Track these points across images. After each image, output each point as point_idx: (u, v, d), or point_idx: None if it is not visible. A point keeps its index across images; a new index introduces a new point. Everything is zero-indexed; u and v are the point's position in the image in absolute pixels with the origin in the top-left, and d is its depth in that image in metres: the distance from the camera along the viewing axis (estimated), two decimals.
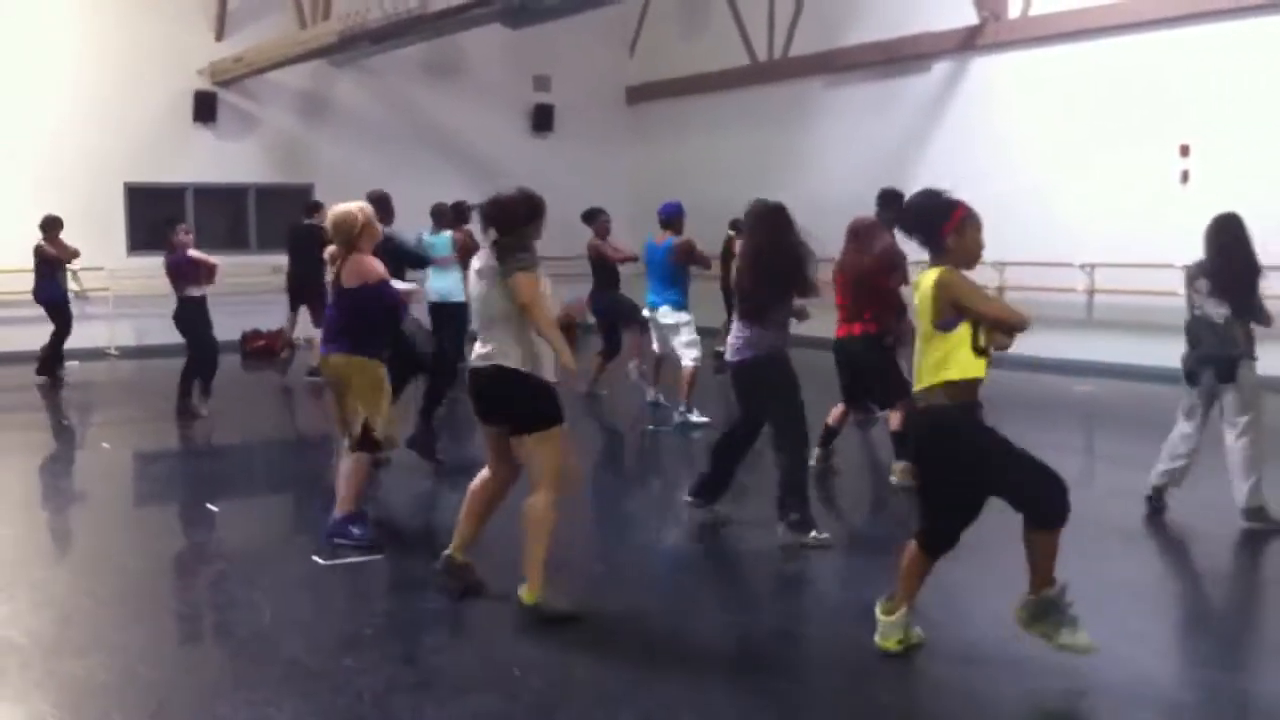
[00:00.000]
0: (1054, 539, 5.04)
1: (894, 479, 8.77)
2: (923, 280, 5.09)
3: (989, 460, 5.09)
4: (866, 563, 7.12)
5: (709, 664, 5.46)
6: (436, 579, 6.28)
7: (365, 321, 7.27)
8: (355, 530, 7.22)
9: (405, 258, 9.24)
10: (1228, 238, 7.54)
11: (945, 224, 5.09)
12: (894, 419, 8.79)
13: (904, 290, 9.07)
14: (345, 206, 7.33)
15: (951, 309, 4.99)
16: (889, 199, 10.15)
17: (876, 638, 5.38)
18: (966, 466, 5.12)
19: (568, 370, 6.01)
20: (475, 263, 6.12)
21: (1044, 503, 5.01)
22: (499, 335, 5.93)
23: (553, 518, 5.90)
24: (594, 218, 12.95)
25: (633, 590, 6.65)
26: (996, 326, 5.07)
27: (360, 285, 7.18)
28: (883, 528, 8.37)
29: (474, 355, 6.07)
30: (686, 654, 5.54)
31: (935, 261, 5.13)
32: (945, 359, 5.02)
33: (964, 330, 5.00)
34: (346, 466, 7.31)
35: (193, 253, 12.42)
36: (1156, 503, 7.82)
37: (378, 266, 7.27)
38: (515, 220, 5.99)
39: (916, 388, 5.17)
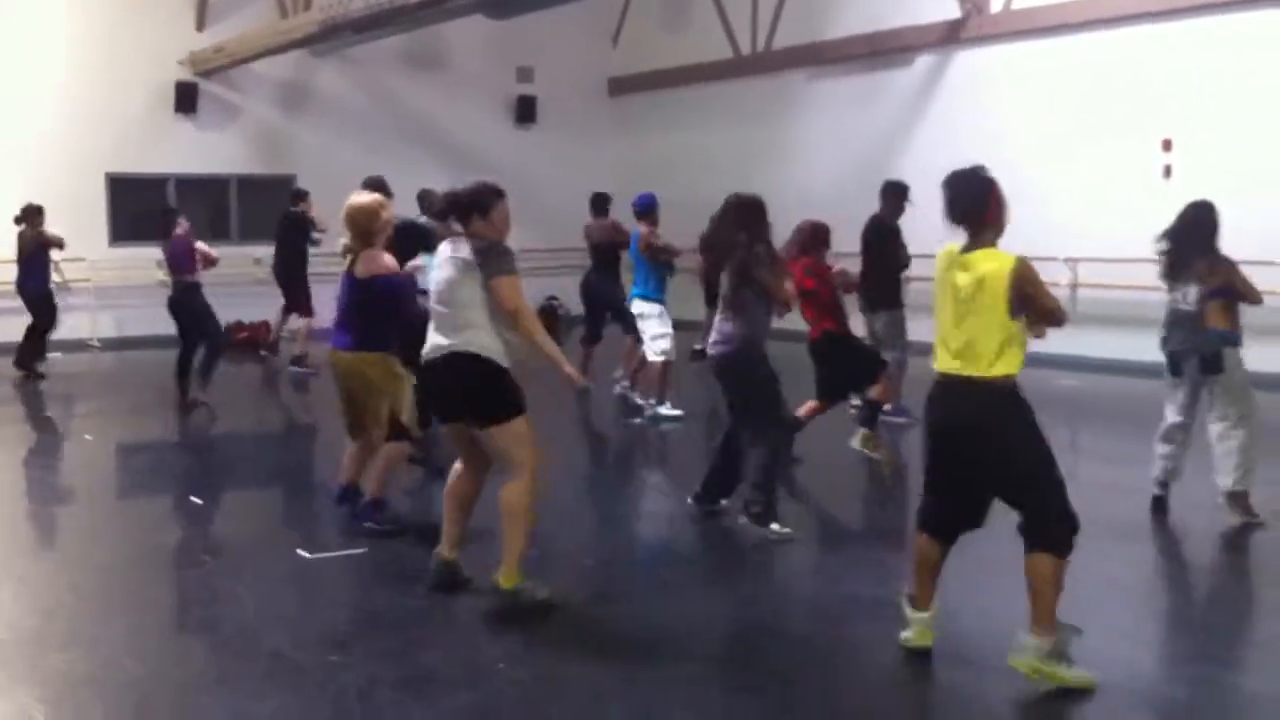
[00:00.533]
0: (1059, 565, 4.94)
1: (855, 444, 9.08)
2: (977, 263, 4.95)
3: (1039, 447, 5.06)
4: (861, 560, 7.13)
5: (700, 660, 5.45)
6: (431, 576, 6.28)
7: (375, 314, 7.23)
8: (377, 516, 7.36)
9: (422, 240, 9.01)
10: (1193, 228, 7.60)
11: (992, 201, 5.06)
12: (875, 390, 8.99)
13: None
14: (364, 198, 7.33)
15: (1021, 300, 4.91)
16: (891, 190, 10.39)
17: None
18: (1018, 444, 5.05)
19: (568, 380, 6.07)
20: (445, 248, 6.03)
21: (1060, 517, 4.97)
22: (467, 325, 5.84)
23: (528, 503, 5.89)
24: (607, 202, 13.08)
25: (622, 586, 6.65)
26: (1049, 318, 5.01)
27: (371, 277, 7.15)
28: (879, 524, 8.40)
29: (429, 348, 5.98)
30: (677, 650, 5.53)
31: (977, 241, 5.03)
32: (1007, 348, 4.94)
33: (1022, 322, 4.95)
34: (384, 453, 7.37)
35: (200, 245, 12.39)
36: (1163, 492, 7.79)
37: (390, 261, 7.25)
38: (474, 206, 5.90)
39: (960, 370, 5.01)
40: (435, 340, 5.96)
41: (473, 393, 5.89)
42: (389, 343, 7.29)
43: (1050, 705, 4.90)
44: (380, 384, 7.23)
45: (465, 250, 5.88)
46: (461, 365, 5.87)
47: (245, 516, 8.44)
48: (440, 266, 6.02)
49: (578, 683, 5.12)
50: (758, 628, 5.89)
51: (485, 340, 5.83)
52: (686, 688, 5.07)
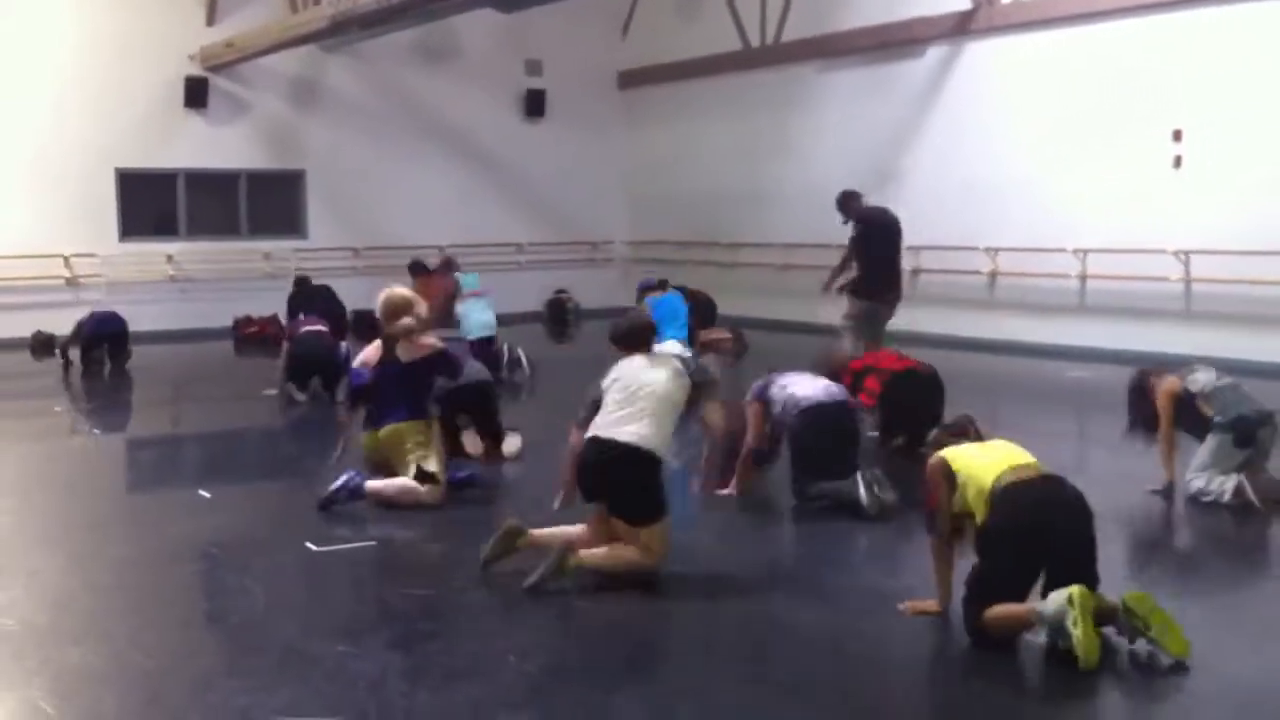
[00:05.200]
0: None
1: None
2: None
3: None
4: (868, 553, 7.13)
5: (711, 653, 5.46)
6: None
7: (423, 390, 7.93)
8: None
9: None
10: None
11: None
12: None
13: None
14: (404, 291, 8.07)
15: None
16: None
17: None
18: None
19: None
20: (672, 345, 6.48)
21: None
22: (653, 423, 6.15)
23: (631, 566, 6.17)
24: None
25: (630, 577, 6.64)
26: None
27: (413, 360, 7.79)
28: (888, 520, 8.37)
29: (603, 437, 6.14)
30: (687, 643, 5.54)
31: None
32: None
33: None
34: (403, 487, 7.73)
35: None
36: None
37: (431, 340, 7.90)
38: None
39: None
40: (620, 427, 6.13)
41: (635, 488, 6.17)
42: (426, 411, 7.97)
43: (1063, 704, 4.89)
44: (415, 445, 7.78)
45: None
46: (637, 461, 6.12)
47: (253, 510, 8.43)
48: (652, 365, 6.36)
49: (587, 675, 5.12)
50: (770, 620, 5.87)
51: (657, 441, 6.15)
52: (697, 680, 5.06)
